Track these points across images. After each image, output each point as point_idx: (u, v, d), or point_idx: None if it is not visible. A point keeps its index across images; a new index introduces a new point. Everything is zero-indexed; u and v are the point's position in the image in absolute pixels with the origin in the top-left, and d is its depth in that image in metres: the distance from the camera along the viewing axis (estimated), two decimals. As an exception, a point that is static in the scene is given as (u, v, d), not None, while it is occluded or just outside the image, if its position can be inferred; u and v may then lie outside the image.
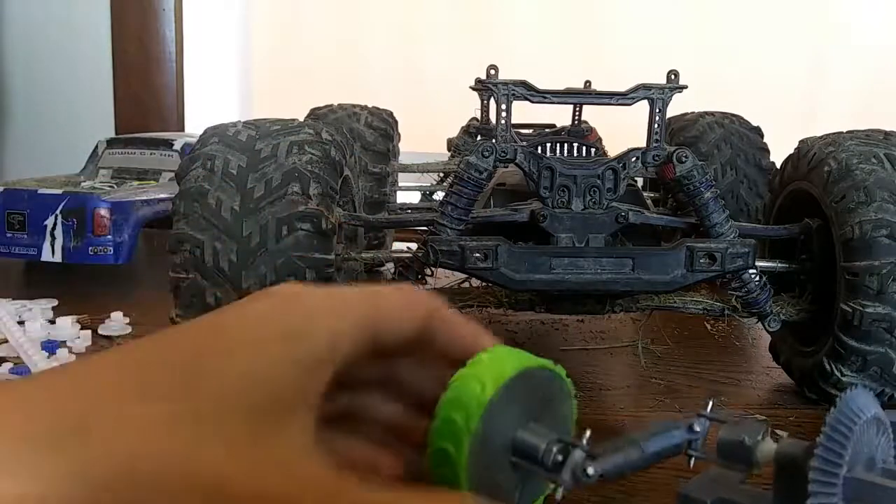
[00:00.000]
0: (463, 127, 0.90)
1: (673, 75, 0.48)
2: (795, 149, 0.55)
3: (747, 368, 0.61)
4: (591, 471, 0.25)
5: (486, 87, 0.51)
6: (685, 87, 0.48)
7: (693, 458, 0.28)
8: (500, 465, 0.26)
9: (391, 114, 0.88)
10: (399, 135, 0.89)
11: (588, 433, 0.27)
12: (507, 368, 0.26)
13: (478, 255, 0.46)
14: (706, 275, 0.47)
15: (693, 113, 0.85)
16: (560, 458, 0.26)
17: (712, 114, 0.84)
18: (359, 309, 0.25)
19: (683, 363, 0.61)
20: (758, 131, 0.82)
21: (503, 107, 0.48)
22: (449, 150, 0.91)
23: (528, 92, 0.48)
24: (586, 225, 0.48)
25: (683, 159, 0.48)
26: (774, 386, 0.57)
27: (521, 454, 0.26)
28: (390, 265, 0.60)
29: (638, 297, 0.52)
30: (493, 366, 0.26)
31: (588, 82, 0.81)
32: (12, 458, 0.19)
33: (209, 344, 0.22)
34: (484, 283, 0.52)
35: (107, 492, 0.19)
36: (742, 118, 0.83)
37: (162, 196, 0.83)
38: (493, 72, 0.52)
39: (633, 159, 0.49)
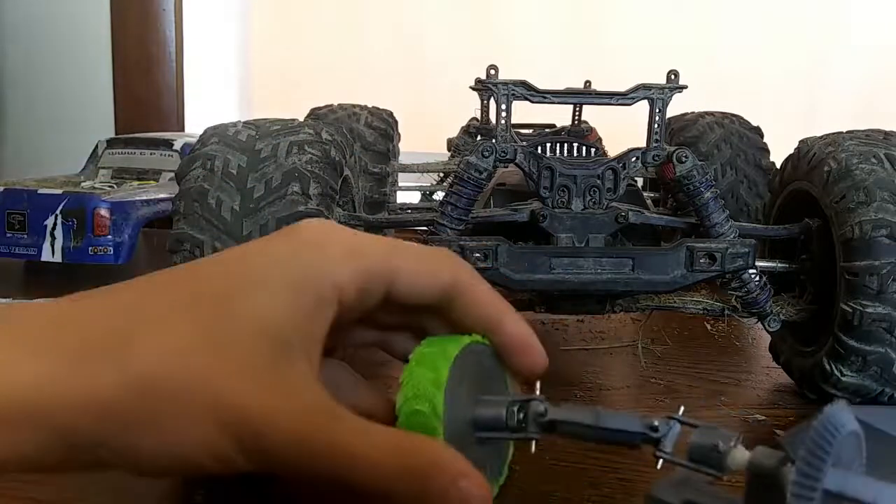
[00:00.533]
0: (463, 127, 0.90)
1: (673, 75, 0.48)
2: (795, 149, 0.55)
3: (747, 368, 0.61)
4: (548, 414, 0.28)
5: (486, 87, 0.51)
6: (685, 87, 0.48)
7: (661, 460, 0.28)
8: (468, 446, 0.27)
9: (391, 114, 0.88)
10: (399, 135, 0.89)
11: (538, 384, 0.29)
12: (449, 352, 0.28)
13: (477, 254, 0.46)
14: (706, 275, 0.47)
15: (693, 113, 0.85)
16: (521, 415, 0.28)
17: (712, 114, 0.84)
18: (372, 260, 0.27)
19: (683, 363, 0.61)
20: (758, 131, 0.82)
21: (503, 107, 0.48)
22: (449, 150, 0.91)
23: (528, 92, 0.48)
24: (586, 225, 0.48)
25: (683, 159, 0.48)
26: (774, 386, 0.57)
27: (485, 427, 0.28)
28: None
29: (638, 297, 0.52)
30: (434, 355, 0.27)
31: (588, 82, 0.81)
32: (66, 364, 0.23)
33: (232, 283, 0.26)
34: None
35: (140, 399, 0.23)
36: (742, 118, 0.83)
37: (162, 196, 0.83)
38: (493, 72, 0.52)
39: (633, 159, 0.49)
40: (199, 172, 0.45)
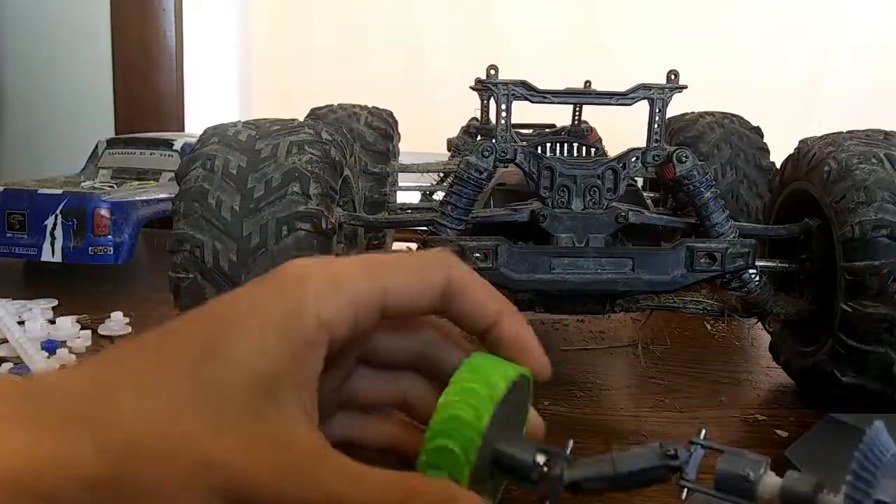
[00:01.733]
0: (463, 127, 0.90)
1: (673, 75, 0.48)
2: (795, 149, 0.55)
3: (747, 368, 0.61)
4: (566, 477, 0.26)
5: (486, 87, 0.51)
6: (685, 87, 0.48)
7: (685, 490, 0.27)
8: (483, 477, 0.27)
9: (391, 114, 0.88)
10: (399, 135, 0.89)
11: (571, 443, 0.28)
12: (498, 387, 0.26)
13: (477, 254, 0.46)
14: (706, 275, 0.47)
15: (693, 113, 0.85)
16: (545, 469, 0.26)
17: (712, 114, 0.84)
18: (360, 288, 0.26)
19: (683, 363, 0.61)
20: (758, 131, 0.82)
21: (503, 107, 0.48)
22: (449, 150, 0.90)
23: (528, 92, 0.48)
24: (586, 225, 0.48)
25: (683, 159, 0.48)
26: (774, 386, 0.57)
27: (505, 467, 0.27)
28: None
29: (638, 297, 0.52)
30: (483, 386, 0.26)
31: (588, 82, 0.81)
32: (48, 434, 0.22)
33: (215, 333, 0.24)
34: None
35: (125, 465, 0.22)
36: (742, 118, 0.83)
37: (162, 196, 0.83)
38: (493, 72, 0.52)
39: (633, 159, 0.49)
40: (199, 172, 0.45)
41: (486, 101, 0.84)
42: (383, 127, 0.83)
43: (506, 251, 0.46)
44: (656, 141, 0.48)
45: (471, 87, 0.81)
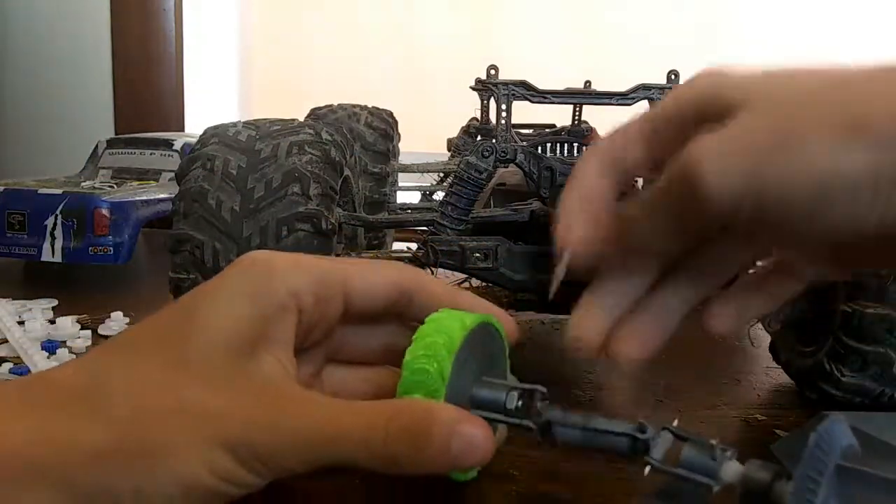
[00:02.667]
0: (463, 127, 0.90)
1: (673, 75, 0.48)
2: None
3: (747, 368, 0.61)
4: (543, 412, 0.28)
5: (486, 87, 0.51)
6: None
7: (649, 467, 0.28)
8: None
9: (391, 114, 0.88)
10: (399, 135, 0.89)
11: (541, 390, 0.29)
12: (466, 322, 0.28)
13: (477, 255, 0.46)
14: None
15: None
16: (520, 402, 0.28)
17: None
18: (323, 268, 0.28)
19: (683, 363, 0.61)
20: None
21: (503, 107, 0.48)
22: (449, 150, 0.90)
23: (528, 92, 0.48)
24: None
25: None
26: (774, 386, 0.57)
27: (483, 406, 0.28)
28: None
29: None
30: (451, 321, 0.28)
31: (588, 82, 0.80)
32: (52, 417, 0.24)
33: (191, 307, 0.27)
34: (484, 283, 0.51)
35: (131, 435, 0.24)
36: None
37: (162, 196, 0.83)
38: (493, 72, 0.52)
39: None
40: (199, 173, 0.45)
41: (486, 101, 0.84)
42: (383, 127, 0.83)
43: (506, 251, 0.46)
44: None
45: (471, 88, 0.80)
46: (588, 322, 0.32)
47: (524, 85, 0.48)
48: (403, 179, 0.90)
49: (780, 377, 0.58)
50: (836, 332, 0.48)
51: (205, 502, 0.24)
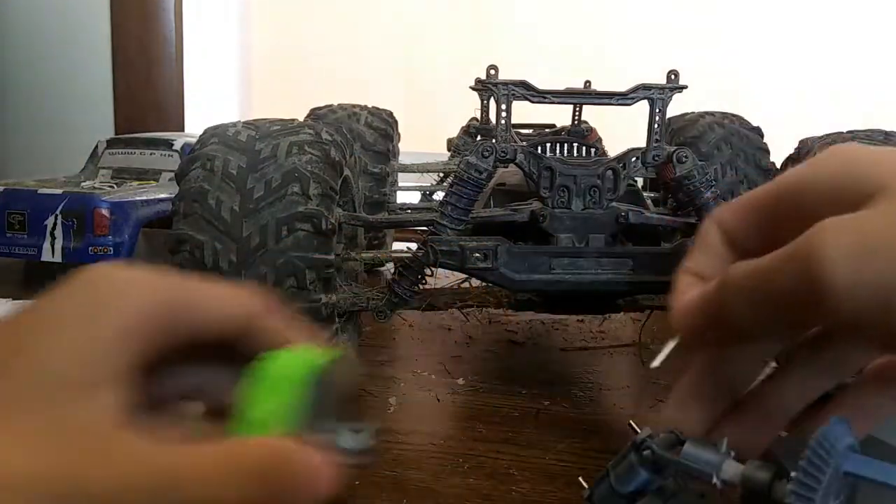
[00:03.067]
0: (463, 127, 0.90)
1: (673, 75, 0.48)
2: (795, 148, 0.55)
3: (747, 368, 0.61)
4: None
5: (486, 87, 0.51)
6: (685, 87, 0.48)
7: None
8: None
9: (391, 114, 0.88)
10: (399, 135, 0.89)
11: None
12: (307, 360, 0.26)
13: (477, 255, 0.46)
14: None
15: (693, 113, 0.84)
16: (356, 441, 0.26)
17: (712, 114, 0.84)
18: (164, 292, 0.25)
19: (683, 363, 0.61)
20: (758, 131, 0.82)
21: (503, 107, 0.48)
22: (449, 150, 0.91)
23: (528, 92, 0.48)
24: (586, 225, 0.48)
25: (683, 159, 0.48)
26: (774, 386, 0.57)
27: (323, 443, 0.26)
28: (390, 265, 0.60)
29: (638, 297, 0.52)
30: (292, 359, 0.26)
31: (588, 82, 0.81)
32: None
33: (22, 328, 0.24)
34: (484, 283, 0.52)
35: None
36: (742, 118, 0.83)
37: (162, 196, 0.83)
38: (493, 72, 0.52)
39: (633, 159, 0.49)
40: (199, 173, 0.45)
41: (485, 101, 0.84)
42: (383, 127, 0.83)
43: (506, 251, 0.46)
44: (656, 141, 0.48)
45: (471, 88, 0.81)
46: (690, 415, 0.29)
47: (524, 85, 0.48)
48: (403, 179, 0.91)
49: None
50: None
51: None
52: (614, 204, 0.49)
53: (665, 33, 1.19)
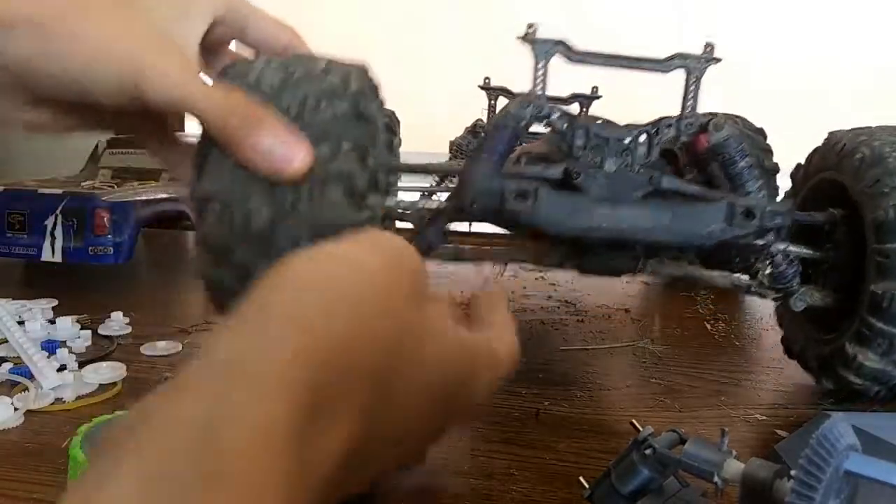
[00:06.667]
0: (468, 127, 0.90)
1: (709, 47, 0.48)
2: (824, 140, 0.56)
3: (747, 368, 0.61)
4: None
5: (526, 42, 0.50)
6: (720, 59, 0.48)
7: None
8: None
9: (392, 113, 0.88)
10: (400, 140, 0.89)
11: None
12: None
13: (518, 195, 0.45)
14: (744, 230, 0.46)
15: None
16: None
17: (715, 114, 0.84)
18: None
19: (683, 363, 0.61)
20: (761, 132, 0.82)
21: (540, 65, 0.47)
22: (450, 151, 0.91)
23: (568, 51, 0.47)
24: (619, 185, 0.47)
25: (720, 126, 0.47)
26: (774, 386, 0.57)
27: None
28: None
29: (667, 259, 0.51)
30: None
31: (595, 88, 0.81)
32: None
33: None
34: (510, 239, 0.51)
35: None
36: (746, 119, 0.83)
37: (162, 196, 0.83)
38: (531, 29, 0.50)
39: (667, 127, 0.48)
40: None
41: (493, 102, 0.84)
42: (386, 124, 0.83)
43: (546, 193, 0.45)
44: (690, 110, 0.48)
45: (479, 87, 0.81)
46: None
47: (563, 44, 0.47)
48: (403, 180, 0.90)
49: (780, 377, 0.58)
50: (863, 315, 0.48)
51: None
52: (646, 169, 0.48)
53: (667, 34, 1.19)
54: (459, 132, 0.92)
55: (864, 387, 0.49)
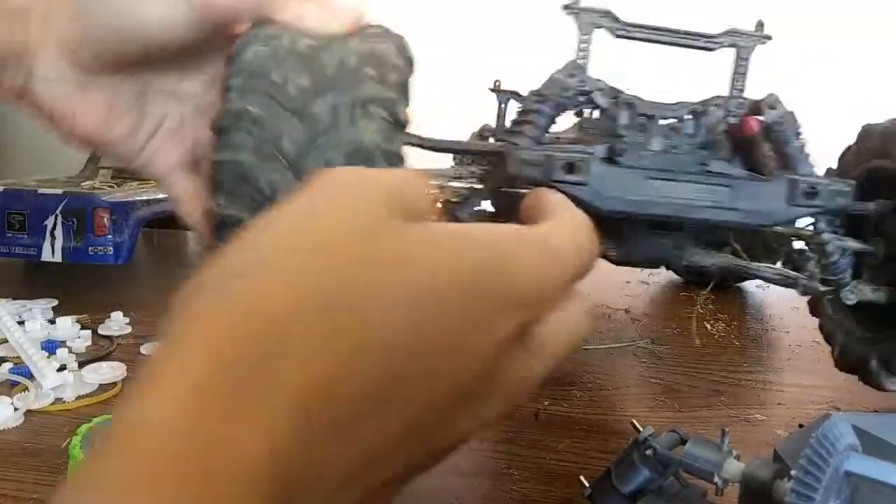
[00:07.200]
0: (475, 133, 0.90)
1: (760, 25, 0.47)
2: (876, 126, 0.52)
3: (747, 368, 0.61)
4: None
5: (570, 11, 0.48)
6: (770, 37, 0.46)
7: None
8: None
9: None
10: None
11: None
12: None
13: (566, 166, 0.42)
14: (806, 210, 0.44)
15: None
16: None
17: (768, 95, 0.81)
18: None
19: (683, 363, 0.61)
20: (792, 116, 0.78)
21: (585, 36, 0.45)
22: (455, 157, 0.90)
23: (614, 23, 0.45)
24: (666, 164, 0.44)
25: (776, 105, 0.45)
26: (774, 386, 0.57)
27: None
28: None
29: (713, 253, 0.49)
30: None
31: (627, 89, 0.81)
32: None
33: None
34: None
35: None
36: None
37: (162, 196, 0.83)
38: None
39: (715, 105, 0.46)
40: (261, 50, 0.38)
41: (503, 105, 0.84)
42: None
43: (598, 164, 0.42)
44: (739, 90, 0.46)
45: (490, 90, 0.80)
46: None
47: (610, 15, 0.45)
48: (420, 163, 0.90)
49: (780, 377, 0.58)
50: None
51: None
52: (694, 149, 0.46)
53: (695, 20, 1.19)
54: (460, 136, 0.91)
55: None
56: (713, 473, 0.27)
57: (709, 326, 0.71)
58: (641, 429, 0.30)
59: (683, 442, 0.29)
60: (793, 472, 0.25)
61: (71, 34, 0.34)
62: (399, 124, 0.39)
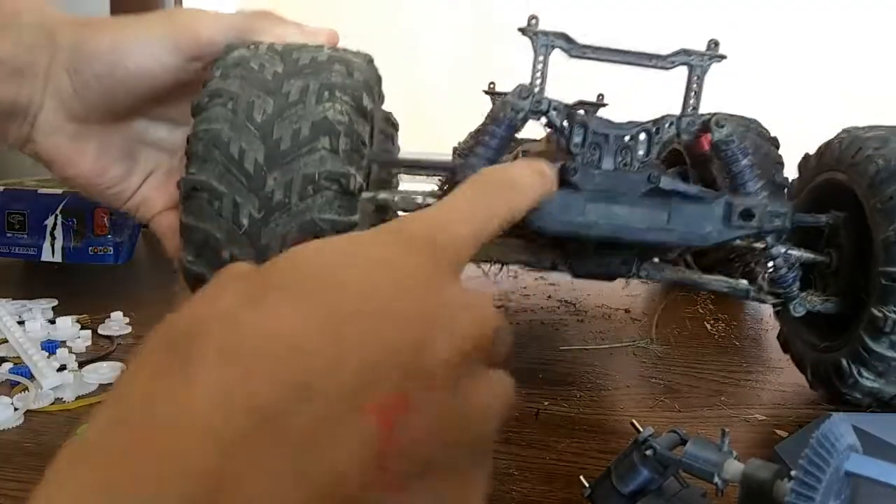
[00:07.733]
0: (471, 132, 0.90)
1: (713, 44, 0.47)
2: (835, 138, 0.53)
3: (747, 368, 0.61)
4: None
5: (525, 34, 0.49)
6: (724, 56, 0.47)
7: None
8: None
9: (391, 114, 0.88)
10: (399, 147, 0.89)
11: None
12: None
13: None
14: (743, 231, 0.45)
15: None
16: None
17: (716, 114, 0.82)
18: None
19: (683, 363, 0.61)
20: (774, 142, 0.78)
21: (541, 57, 0.46)
22: (454, 155, 0.90)
23: (568, 44, 0.46)
24: (617, 184, 0.45)
25: (723, 123, 0.46)
26: (774, 386, 0.57)
27: None
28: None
29: (664, 263, 0.50)
30: None
31: (601, 95, 0.81)
32: None
33: None
34: (504, 238, 0.50)
35: None
36: (759, 124, 0.80)
37: (162, 196, 0.83)
38: (533, 21, 0.49)
39: (668, 125, 0.47)
40: (220, 112, 0.40)
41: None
42: (383, 127, 0.83)
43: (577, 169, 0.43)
44: (692, 108, 0.47)
45: (484, 92, 0.80)
46: None
47: (564, 37, 0.46)
48: (410, 181, 0.90)
49: (780, 377, 0.58)
50: (860, 335, 0.47)
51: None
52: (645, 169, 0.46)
53: (671, 36, 1.19)
54: (459, 137, 0.92)
55: (856, 400, 0.49)
56: (713, 474, 0.27)
57: (709, 326, 0.71)
58: (641, 429, 0.30)
59: (683, 442, 0.29)
60: (793, 473, 0.25)
61: (67, 87, 0.37)
62: (362, 112, 0.41)
